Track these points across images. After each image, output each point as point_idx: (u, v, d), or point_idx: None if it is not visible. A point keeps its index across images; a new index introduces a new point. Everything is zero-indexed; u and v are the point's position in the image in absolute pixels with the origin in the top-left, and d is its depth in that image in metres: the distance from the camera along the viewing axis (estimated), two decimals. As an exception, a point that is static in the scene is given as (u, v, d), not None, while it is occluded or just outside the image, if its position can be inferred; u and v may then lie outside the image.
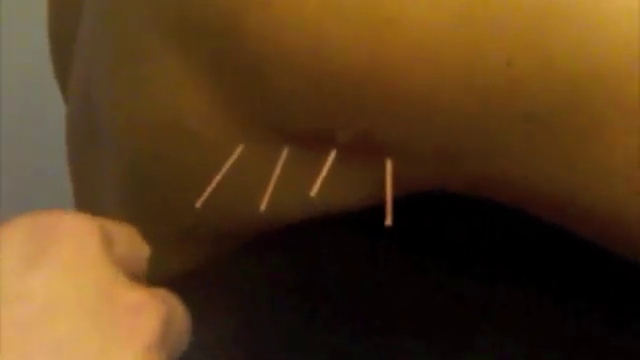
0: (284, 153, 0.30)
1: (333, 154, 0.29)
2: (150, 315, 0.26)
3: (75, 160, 0.43)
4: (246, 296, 0.35)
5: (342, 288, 0.32)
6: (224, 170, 0.31)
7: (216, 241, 0.35)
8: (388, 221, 0.28)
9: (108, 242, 0.27)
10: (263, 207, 0.30)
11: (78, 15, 0.41)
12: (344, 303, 0.32)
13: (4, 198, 1.20)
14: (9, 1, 1.09)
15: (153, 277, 0.37)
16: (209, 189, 0.31)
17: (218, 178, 0.31)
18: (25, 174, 1.23)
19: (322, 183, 0.30)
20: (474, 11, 0.27)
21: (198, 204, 0.31)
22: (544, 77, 0.26)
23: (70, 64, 0.43)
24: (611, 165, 0.27)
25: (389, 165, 0.29)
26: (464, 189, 0.30)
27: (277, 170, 0.30)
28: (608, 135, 0.26)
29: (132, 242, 0.30)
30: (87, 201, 0.42)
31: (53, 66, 0.50)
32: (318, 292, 0.33)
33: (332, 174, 0.29)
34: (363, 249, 0.32)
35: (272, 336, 0.34)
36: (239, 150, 0.31)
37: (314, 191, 0.29)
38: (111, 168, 0.37)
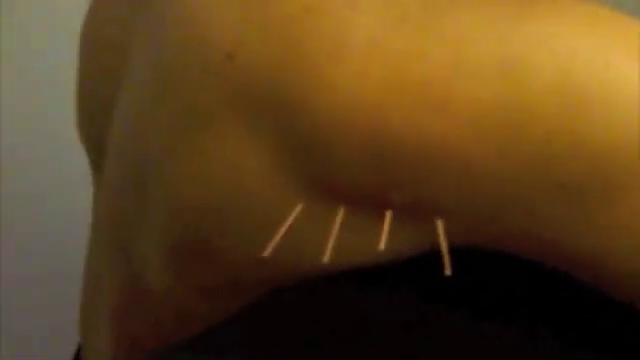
0: (341, 212, 0.35)
1: (390, 214, 0.34)
2: None
3: (110, 218, 0.46)
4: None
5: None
6: (287, 224, 0.35)
7: (260, 289, 0.38)
8: (447, 272, 0.33)
9: None
10: (326, 259, 0.35)
11: (117, 82, 0.44)
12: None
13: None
14: None
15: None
16: (274, 241, 0.35)
17: (281, 233, 0.35)
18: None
19: (374, 238, 0.34)
20: (518, 95, 0.32)
21: (265, 254, 0.35)
22: (576, 153, 0.32)
23: (106, 127, 0.46)
24: (634, 227, 0.33)
25: (441, 224, 0.34)
26: (493, 245, 0.35)
27: (337, 226, 0.35)
28: (630, 200, 0.32)
29: None
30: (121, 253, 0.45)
31: (81, 137, 0.52)
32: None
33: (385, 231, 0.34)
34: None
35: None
36: (298, 209, 0.35)
37: (382, 245, 0.33)
38: (162, 226, 0.40)
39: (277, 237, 0.35)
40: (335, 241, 0.35)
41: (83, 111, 0.51)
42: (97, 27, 0.49)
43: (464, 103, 0.32)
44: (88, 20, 0.52)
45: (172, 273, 0.41)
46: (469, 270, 0.35)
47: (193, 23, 0.37)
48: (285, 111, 0.34)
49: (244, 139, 0.35)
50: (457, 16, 0.33)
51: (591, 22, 0.33)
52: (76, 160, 0.90)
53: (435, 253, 0.34)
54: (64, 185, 1.09)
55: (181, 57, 0.37)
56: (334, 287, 0.36)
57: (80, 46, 0.51)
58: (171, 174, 0.39)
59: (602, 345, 0.36)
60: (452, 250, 0.34)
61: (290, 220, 0.35)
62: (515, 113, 0.32)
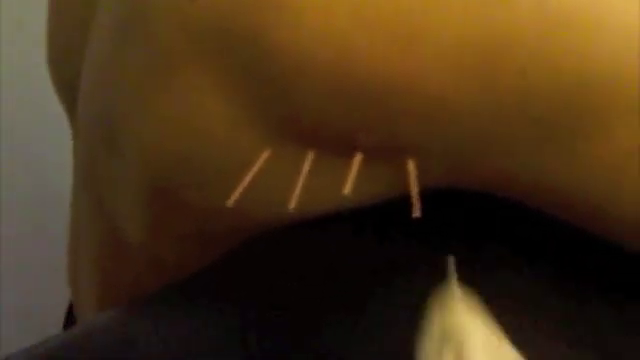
0: (310, 156, 0.33)
1: (359, 156, 0.32)
2: None
3: (85, 170, 0.45)
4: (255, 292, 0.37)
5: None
6: (253, 172, 0.34)
7: (231, 238, 0.37)
8: (416, 213, 0.31)
9: None
10: (292, 205, 0.33)
11: (85, 25, 0.42)
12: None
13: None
14: None
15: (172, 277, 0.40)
16: (239, 190, 0.34)
17: (247, 179, 0.34)
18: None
19: (345, 182, 0.33)
20: (490, 27, 0.30)
21: (230, 203, 0.34)
22: (552, 85, 0.30)
23: (76, 72, 0.44)
24: (613, 162, 0.31)
25: (412, 164, 0.32)
26: (473, 186, 0.34)
27: (304, 172, 0.33)
28: (610, 134, 0.31)
29: None
30: (94, 204, 0.44)
31: (53, 81, 0.51)
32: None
33: (360, 174, 0.33)
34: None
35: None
36: (266, 154, 0.34)
37: (347, 189, 0.32)
38: (133, 177, 0.39)
39: (242, 185, 0.34)
40: (303, 187, 0.33)
41: (53, 54, 0.50)
42: None
43: (438, 34, 0.30)
44: None
45: (146, 224, 0.40)
46: (440, 214, 0.34)
47: None
48: (248, 48, 0.32)
49: (210, 81, 0.34)
50: None
51: None
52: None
53: (406, 195, 0.32)
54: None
55: (140, 2, 0.36)
56: (302, 234, 0.34)
57: None
58: (139, 122, 0.38)
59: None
60: (425, 193, 0.33)
61: (257, 167, 0.34)
62: (491, 43, 0.30)
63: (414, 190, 0.31)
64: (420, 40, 0.30)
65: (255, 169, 0.34)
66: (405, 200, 0.33)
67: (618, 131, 0.30)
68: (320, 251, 0.35)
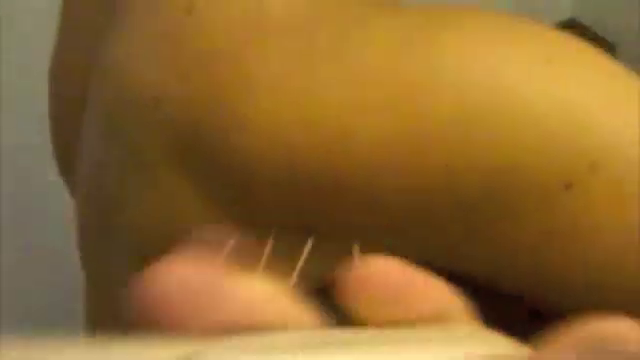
0: (269, 244, 0.38)
1: (310, 242, 0.37)
2: None
3: (86, 247, 0.50)
4: None
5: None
6: (222, 257, 0.38)
7: None
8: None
9: None
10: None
11: (82, 102, 0.48)
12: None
13: None
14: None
15: None
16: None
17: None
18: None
19: (297, 264, 0.37)
20: (416, 125, 0.34)
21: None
22: (469, 175, 0.34)
23: (74, 152, 0.50)
24: (525, 242, 0.35)
25: (356, 248, 0.36)
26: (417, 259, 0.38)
27: (264, 259, 0.37)
28: (522, 218, 0.35)
29: None
30: (99, 279, 0.49)
31: (53, 144, 0.57)
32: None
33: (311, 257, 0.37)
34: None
35: None
36: (232, 243, 0.38)
37: (294, 275, 0.36)
38: (121, 255, 0.44)
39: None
40: (265, 268, 0.38)
41: (55, 132, 0.56)
42: (63, 59, 0.53)
43: (365, 137, 0.34)
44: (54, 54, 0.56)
45: None
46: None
47: (124, 71, 0.40)
48: (207, 151, 0.37)
49: (177, 178, 0.39)
50: (357, 53, 0.35)
51: (484, 51, 0.35)
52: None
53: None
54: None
55: (119, 103, 0.41)
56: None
57: (49, 78, 0.56)
58: (125, 205, 0.42)
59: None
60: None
61: (224, 254, 0.38)
62: (415, 141, 0.34)
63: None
64: (352, 138, 0.34)
65: (223, 255, 0.38)
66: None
67: (529, 216, 0.34)
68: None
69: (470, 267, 0.37)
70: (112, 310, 0.48)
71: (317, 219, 0.36)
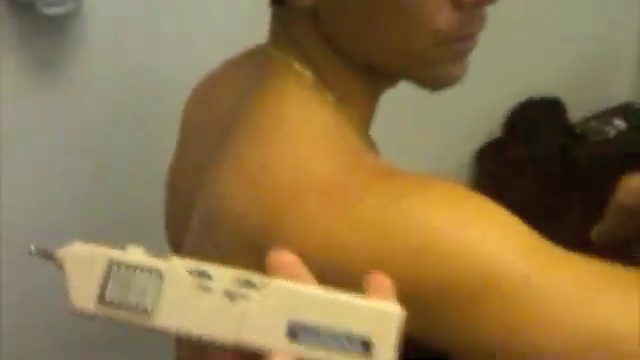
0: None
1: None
2: None
3: None
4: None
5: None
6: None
7: None
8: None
9: None
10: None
11: (190, 200, 0.73)
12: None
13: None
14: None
15: None
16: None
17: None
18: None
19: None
20: (387, 253, 0.57)
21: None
22: (421, 291, 0.56)
23: (178, 239, 0.75)
24: (459, 335, 0.57)
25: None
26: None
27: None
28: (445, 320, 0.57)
29: None
30: None
31: (166, 234, 0.83)
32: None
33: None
34: None
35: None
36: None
37: None
38: None
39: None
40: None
41: (168, 223, 0.82)
42: (178, 178, 0.80)
43: (358, 255, 0.57)
44: (172, 170, 0.83)
45: None
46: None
47: (222, 195, 0.65)
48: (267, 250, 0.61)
49: (248, 263, 0.63)
50: (357, 201, 0.58)
51: (438, 215, 0.58)
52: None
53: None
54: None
55: (218, 210, 0.65)
56: None
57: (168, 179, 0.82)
58: None
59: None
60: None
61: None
62: (382, 260, 0.57)
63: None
64: (343, 256, 0.57)
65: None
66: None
67: (452, 311, 0.56)
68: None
69: (422, 340, 0.59)
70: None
71: None
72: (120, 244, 0.46)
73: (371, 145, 0.72)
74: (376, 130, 0.73)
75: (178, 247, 0.79)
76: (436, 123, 1.91)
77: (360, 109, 0.69)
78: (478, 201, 0.58)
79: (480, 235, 0.56)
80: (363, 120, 0.71)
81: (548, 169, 1.95)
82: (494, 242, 0.56)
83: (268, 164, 0.62)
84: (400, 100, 1.61)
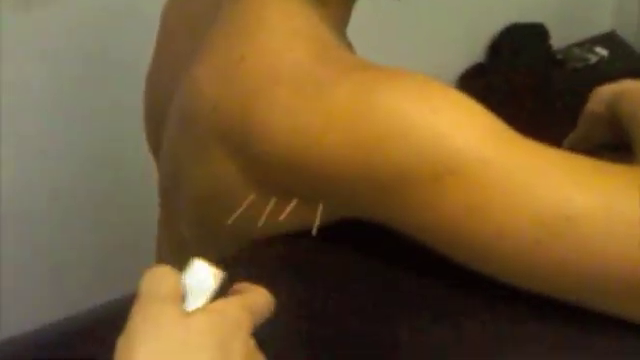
0: (272, 200, 0.64)
1: (294, 202, 0.63)
2: None
3: (164, 198, 0.78)
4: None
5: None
6: (244, 206, 0.65)
7: (238, 243, 0.69)
8: (314, 232, 0.62)
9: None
10: (260, 224, 0.64)
11: (169, 100, 0.75)
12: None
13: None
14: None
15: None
16: (237, 214, 0.65)
17: (240, 210, 0.65)
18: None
19: (289, 215, 0.64)
20: (359, 134, 0.60)
21: (230, 221, 0.66)
22: (379, 167, 0.59)
23: (158, 139, 0.78)
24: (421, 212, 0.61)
25: (320, 206, 0.63)
26: (362, 218, 0.64)
27: (269, 208, 0.64)
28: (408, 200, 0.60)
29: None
30: (170, 219, 0.77)
31: (146, 135, 0.85)
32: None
33: (293, 212, 0.64)
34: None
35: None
36: (252, 197, 0.65)
37: (282, 217, 0.63)
38: (186, 205, 0.71)
39: (239, 212, 0.65)
40: (268, 215, 0.64)
41: (147, 127, 0.84)
42: (156, 76, 0.83)
43: (325, 143, 0.60)
44: (150, 70, 0.85)
45: (195, 235, 0.72)
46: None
47: (197, 85, 0.67)
48: (243, 142, 0.63)
49: (224, 158, 0.65)
50: (328, 94, 0.61)
51: (401, 102, 0.60)
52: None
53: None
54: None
55: (191, 105, 0.68)
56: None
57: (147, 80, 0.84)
58: (189, 175, 0.70)
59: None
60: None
61: (245, 204, 0.65)
62: (351, 146, 0.59)
63: (317, 220, 0.62)
64: (319, 144, 0.60)
65: (246, 204, 0.65)
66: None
67: (415, 191, 0.59)
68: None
69: (383, 221, 0.62)
70: (178, 241, 0.76)
71: (298, 188, 0.63)
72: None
73: (347, 45, 0.74)
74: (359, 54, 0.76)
75: (157, 148, 0.82)
76: (420, 48, 1.93)
77: (337, 9, 0.71)
78: (445, 90, 0.61)
79: (446, 121, 0.58)
80: (341, 20, 0.73)
81: (529, 93, 1.98)
82: (458, 126, 0.58)
83: (244, 56, 0.64)
84: (383, 23, 1.64)
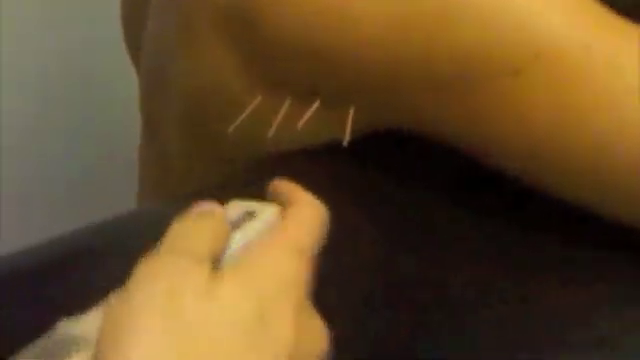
0: (287, 102, 0.48)
1: (317, 103, 0.47)
2: None
3: (147, 105, 0.61)
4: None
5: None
6: (249, 109, 0.49)
7: (238, 160, 0.53)
8: (345, 143, 0.46)
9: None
10: (270, 134, 0.48)
11: (145, 5, 0.59)
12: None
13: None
14: None
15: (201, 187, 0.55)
16: (238, 121, 0.49)
17: (244, 115, 0.49)
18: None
19: (308, 122, 0.48)
20: (405, 11, 0.43)
21: (230, 129, 0.49)
22: (444, 55, 0.44)
23: (139, 39, 0.61)
24: (479, 112, 0.45)
25: (351, 111, 0.47)
26: (401, 126, 0.48)
27: (282, 112, 0.48)
28: (476, 94, 0.44)
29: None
30: (153, 131, 0.61)
31: (124, 39, 0.68)
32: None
33: (315, 118, 0.48)
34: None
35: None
36: (259, 99, 0.49)
37: (300, 125, 0.47)
38: (174, 112, 0.55)
39: (241, 118, 0.49)
40: (281, 123, 0.48)
41: (126, 28, 0.67)
42: None
43: (364, 19, 0.44)
44: None
45: (183, 148, 0.56)
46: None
47: None
48: (248, 28, 0.47)
49: (222, 48, 0.49)
50: None
51: None
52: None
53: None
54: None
55: None
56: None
57: None
58: (178, 70, 0.53)
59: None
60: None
61: (250, 108, 0.49)
62: (402, 25, 0.44)
63: (348, 128, 0.46)
64: (352, 25, 0.44)
65: (251, 107, 0.49)
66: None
67: (489, 89, 0.44)
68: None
69: (435, 130, 0.47)
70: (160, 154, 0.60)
71: (322, 85, 0.47)
72: None
73: None
74: None
75: (137, 50, 0.65)
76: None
77: None
78: None
79: None
80: None
81: None
82: (550, 7, 0.43)
83: None
84: None
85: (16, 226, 1.45)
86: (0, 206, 1.45)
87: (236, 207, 0.39)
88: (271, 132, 0.48)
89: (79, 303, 0.34)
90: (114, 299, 0.32)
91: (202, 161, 0.55)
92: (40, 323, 0.33)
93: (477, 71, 0.43)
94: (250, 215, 0.38)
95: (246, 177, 0.52)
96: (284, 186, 0.40)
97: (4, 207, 1.47)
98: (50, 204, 1.52)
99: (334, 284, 0.40)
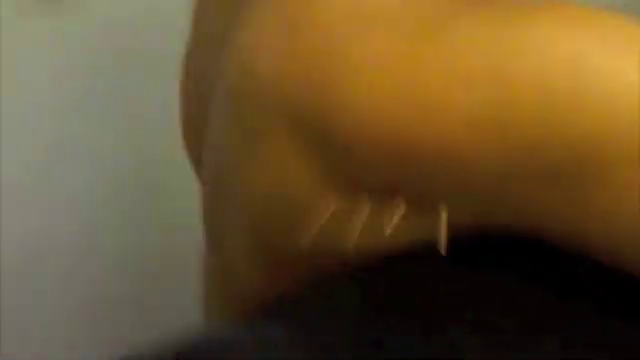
0: (366, 207, 0.42)
1: (403, 207, 0.41)
2: None
3: (210, 216, 0.56)
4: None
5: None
6: (323, 219, 0.43)
7: (307, 272, 0.47)
8: (443, 252, 0.40)
9: None
10: (351, 245, 0.42)
11: (205, 112, 0.54)
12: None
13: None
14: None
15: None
16: (313, 231, 0.43)
17: (318, 225, 0.43)
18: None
19: (387, 226, 0.42)
20: (503, 97, 0.38)
21: (304, 242, 0.44)
22: (552, 143, 0.38)
23: (201, 146, 0.56)
24: (607, 207, 0.38)
25: (444, 214, 0.41)
26: (496, 230, 0.42)
27: (362, 219, 0.42)
28: (604, 183, 0.38)
29: None
30: (217, 242, 0.55)
31: (187, 153, 0.65)
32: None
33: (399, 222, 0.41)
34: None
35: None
36: (334, 206, 0.43)
37: (387, 231, 0.41)
38: (237, 222, 0.50)
39: (315, 228, 0.43)
40: (360, 232, 0.42)
41: (186, 131, 0.62)
42: (193, 60, 0.59)
43: (459, 107, 0.39)
44: (187, 53, 0.63)
45: (248, 259, 0.50)
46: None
47: (247, 55, 0.46)
48: (319, 128, 0.42)
49: (290, 150, 0.44)
50: (451, 32, 0.40)
51: (566, 25, 0.39)
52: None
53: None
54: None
55: (241, 85, 0.47)
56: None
57: (181, 78, 0.62)
58: (241, 178, 0.48)
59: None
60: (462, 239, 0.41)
61: (326, 215, 0.43)
62: (501, 113, 0.38)
63: (444, 233, 0.40)
64: (446, 113, 0.39)
65: (326, 217, 0.43)
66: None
67: (611, 179, 0.37)
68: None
69: (540, 227, 0.40)
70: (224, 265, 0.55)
71: (407, 187, 0.41)
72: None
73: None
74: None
75: (198, 156, 0.61)
76: None
77: None
78: (619, 22, 0.39)
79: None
80: None
81: None
82: None
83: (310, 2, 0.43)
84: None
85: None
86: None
87: None
88: (351, 241, 0.42)
89: None
90: None
91: (268, 272, 0.49)
92: None
93: (602, 156, 0.37)
94: None
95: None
96: None
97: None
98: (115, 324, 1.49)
99: None
